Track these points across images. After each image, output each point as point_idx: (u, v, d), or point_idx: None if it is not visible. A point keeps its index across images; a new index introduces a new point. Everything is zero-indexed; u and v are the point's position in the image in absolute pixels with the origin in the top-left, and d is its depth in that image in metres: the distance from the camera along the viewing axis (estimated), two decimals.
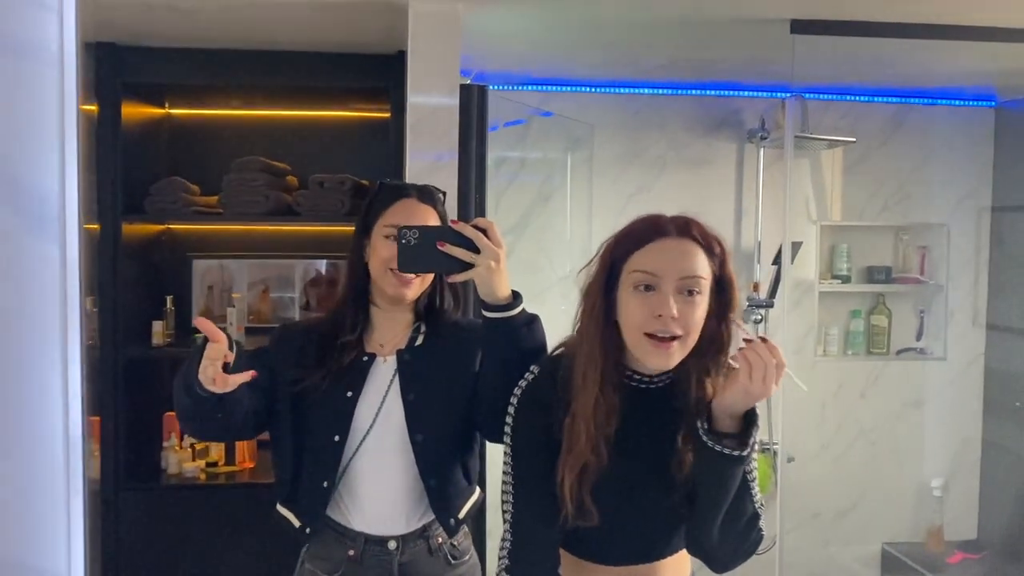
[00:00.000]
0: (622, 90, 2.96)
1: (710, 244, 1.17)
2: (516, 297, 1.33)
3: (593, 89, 2.94)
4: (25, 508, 0.74)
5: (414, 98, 1.82)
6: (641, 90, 2.97)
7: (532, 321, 1.34)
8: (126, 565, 2.30)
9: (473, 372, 1.41)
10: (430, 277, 1.45)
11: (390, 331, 1.46)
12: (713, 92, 3.01)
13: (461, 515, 1.48)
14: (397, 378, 1.42)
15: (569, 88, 2.91)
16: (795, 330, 3.05)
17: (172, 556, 2.32)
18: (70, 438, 0.74)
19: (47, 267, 0.72)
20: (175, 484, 2.39)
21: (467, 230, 1.30)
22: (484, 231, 1.30)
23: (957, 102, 3.13)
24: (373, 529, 1.43)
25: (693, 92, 3.00)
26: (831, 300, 3.17)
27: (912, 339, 3.23)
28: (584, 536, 1.25)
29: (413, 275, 1.40)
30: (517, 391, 1.27)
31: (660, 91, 2.98)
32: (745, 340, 1.12)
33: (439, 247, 1.29)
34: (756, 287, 2.97)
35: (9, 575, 0.74)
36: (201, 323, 1.24)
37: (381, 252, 1.41)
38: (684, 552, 1.30)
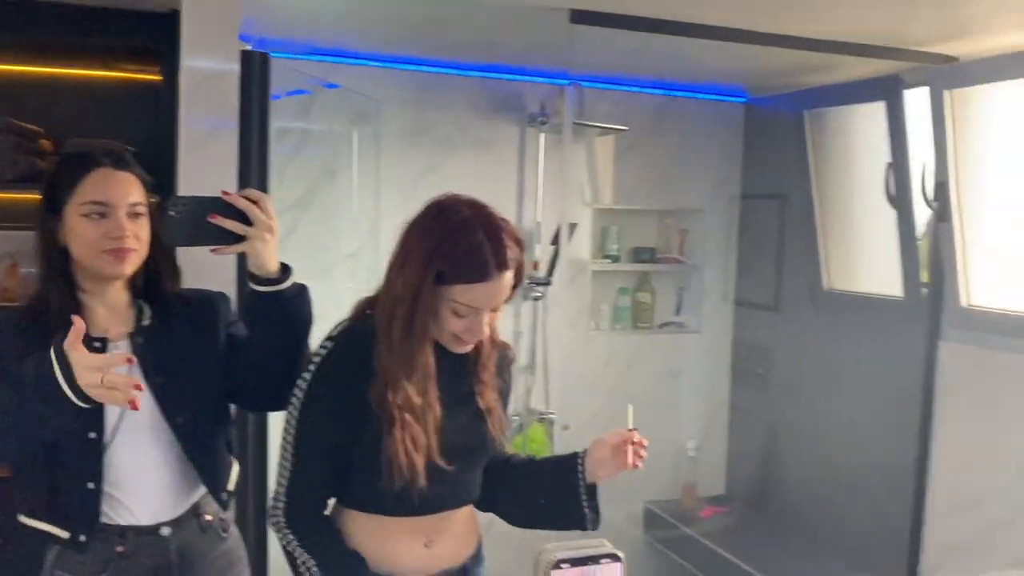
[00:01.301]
0: (409, 67, 2.95)
1: (519, 267, 1.29)
2: (285, 270, 1.32)
3: (380, 64, 2.90)
4: None
5: (189, 62, 1.71)
6: (428, 68, 2.98)
7: (302, 292, 1.35)
8: None
9: (220, 344, 1.39)
10: (145, 251, 1.36)
11: (109, 313, 1.38)
12: (497, 75, 3.07)
13: (231, 487, 1.47)
14: (137, 363, 1.33)
15: (356, 61, 2.85)
16: (570, 306, 3.22)
17: None
18: None
19: None
20: None
21: (239, 201, 1.28)
22: (255, 203, 1.27)
23: (714, 97, 3.42)
24: (143, 519, 1.37)
25: (478, 74, 3.05)
26: (602, 278, 3.37)
27: (672, 314, 3.52)
28: (384, 494, 1.31)
29: (132, 248, 1.32)
30: (313, 363, 1.30)
31: (447, 71, 3.00)
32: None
33: (210, 219, 1.25)
34: (536, 266, 3.10)
35: None
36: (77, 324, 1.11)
37: (87, 234, 1.31)
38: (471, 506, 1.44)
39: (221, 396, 1.44)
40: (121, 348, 1.35)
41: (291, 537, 1.34)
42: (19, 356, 1.26)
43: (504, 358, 1.45)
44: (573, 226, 3.12)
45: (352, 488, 1.37)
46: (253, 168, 1.79)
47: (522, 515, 1.49)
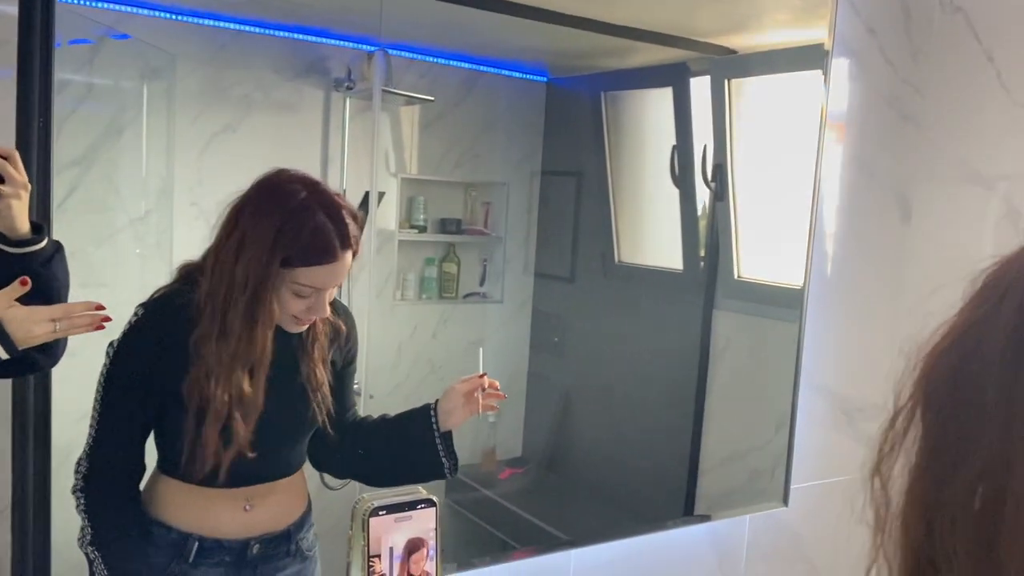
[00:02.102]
0: (207, 21, 2.79)
1: (358, 243, 1.30)
2: (38, 230, 1.26)
3: (176, 16, 2.73)
4: None
5: None
6: (228, 24, 2.83)
7: (58, 251, 1.29)
8: None
9: None
10: None
11: None
12: (301, 36, 2.99)
13: None
14: None
15: (148, 11, 2.66)
16: (377, 276, 3.22)
17: None
18: None
19: None
20: None
21: None
22: (6, 159, 1.21)
23: (517, 74, 3.51)
24: None
25: (281, 34, 2.95)
26: (409, 248, 3.39)
27: (476, 285, 3.61)
28: (195, 469, 1.30)
29: None
30: (123, 331, 1.28)
31: (248, 28, 2.88)
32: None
33: None
34: None
35: None
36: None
37: None
38: (302, 470, 1.46)
39: None
40: None
41: (82, 504, 1.32)
42: None
43: (335, 334, 1.44)
44: (382, 194, 3.11)
45: (164, 457, 1.33)
46: (34, 121, 1.64)
47: (381, 475, 1.51)
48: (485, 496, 3.39)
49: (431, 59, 3.28)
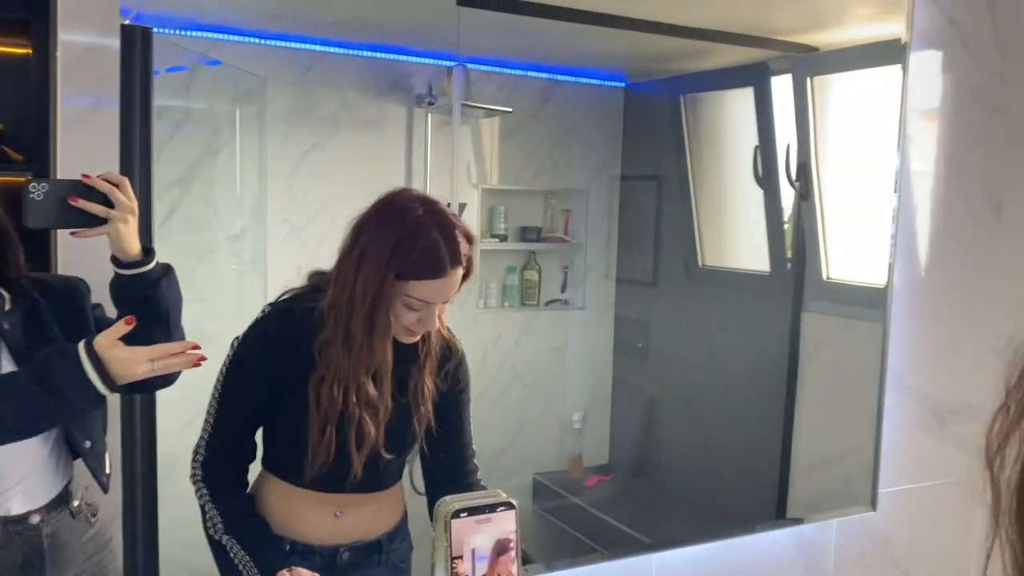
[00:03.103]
0: (294, 44, 2.91)
1: (469, 261, 1.35)
2: (148, 252, 1.33)
3: (263, 41, 2.84)
4: None
5: (66, 36, 1.64)
6: (313, 46, 2.94)
7: (168, 273, 1.36)
8: None
9: (90, 328, 1.38)
10: None
11: None
12: (384, 55, 3.07)
13: (110, 470, 1.47)
14: (4, 349, 1.32)
15: (238, 37, 2.79)
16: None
17: None
18: None
19: None
20: None
21: (100, 184, 1.27)
22: (116, 185, 1.28)
23: (595, 81, 3.52)
24: (12, 509, 1.33)
25: (365, 53, 3.04)
26: (491, 257, 3.44)
27: (558, 291, 3.62)
28: (302, 469, 1.37)
29: None
30: (249, 327, 1.38)
31: (332, 49, 2.98)
32: None
33: (71, 202, 1.25)
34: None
35: None
36: None
37: None
38: (399, 485, 1.52)
39: None
40: None
41: (204, 491, 1.38)
42: None
43: (449, 355, 1.49)
44: (463, 206, 3.17)
45: (270, 454, 1.39)
46: (136, 147, 1.74)
47: None
48: (572, 503, 3.39)
49: (509, 71, 3.32)
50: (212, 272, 2.75)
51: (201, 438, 1.42)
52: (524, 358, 3.50)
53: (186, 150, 2.70)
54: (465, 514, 1.19)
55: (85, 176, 1.28)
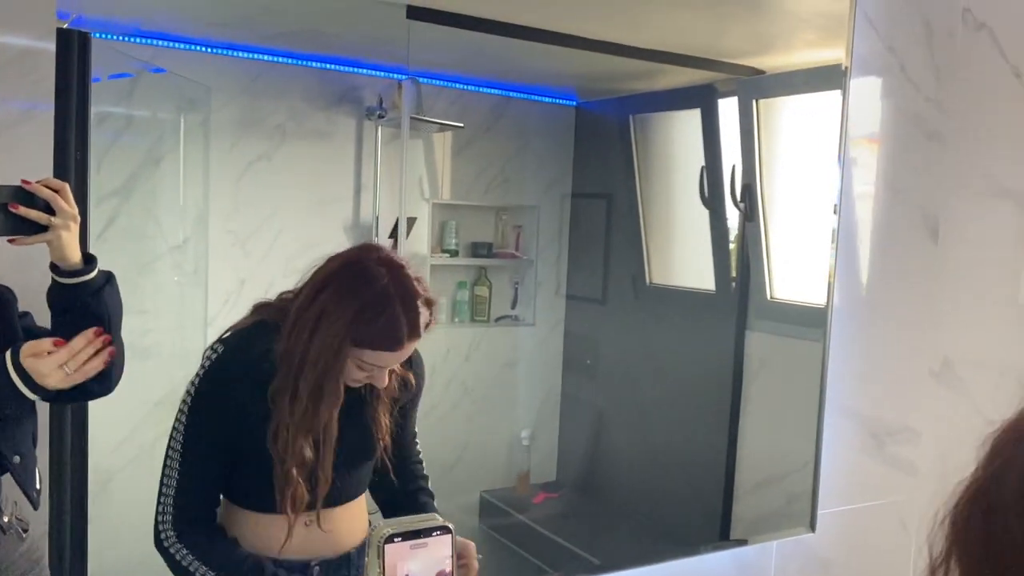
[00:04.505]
0: (241, 54, 2.87)
1: (428, 324, 1.34)
2: (89, 260, 1.30)
3: (210, 49, 2.80)
4: None
5: (0, 37, 1.60)
6: (261, 56, 2.90)
7: (110, 281, 1.32)
8: None
9: (17, 338, 1.32)
10: None
11: None
12: (333, 66, 3.05)
13: (40, 486, 1.41)
14: None
15: (183, 45, 2.74)
16: None
17: None
18: None
19: None
20: None
21: (41, 191, 1.24)
22: (57, 192, 1.24)
23: (546, 99, 3.54)
24: None
25: (314, 64, 3.01)
26: (441, 272, 3.42)
27: (508, 307, 3.62)
28: (266, 492, 1.33)
29: None
30: (202, 368, 1.34)
31: (281, 59, 2.94)
32: None
33: (11, 209, 1.21)
34: (392, 247, 3.10)
35: None
36: None
37: None
38: (361, 498, 1.50)
39: None
40: None
41: (184, 552, 1.33)
42: None
43: (405, 383, 1.47)
44: (412, 220, 3.15)
45: (235, 486, 1.38)
46: (71, 155, 1.69)
47: None
48: (519, 521, 3.38)
49: (461, 86, 3.32)
50: (153, 283, 2.69)
51: (165, 497, 1.35)
52: (473, 374, 3.48)
53: (127, 158, 2.64)
54: (399, 539, 1.17)
55: (25, 182, 1.24)
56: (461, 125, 3.24)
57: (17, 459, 1.33)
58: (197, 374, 1.35)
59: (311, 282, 1.33)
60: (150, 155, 2.72)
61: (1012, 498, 0.60)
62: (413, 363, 1.50)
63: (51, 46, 1.65)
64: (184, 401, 1.35)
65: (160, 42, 2.67)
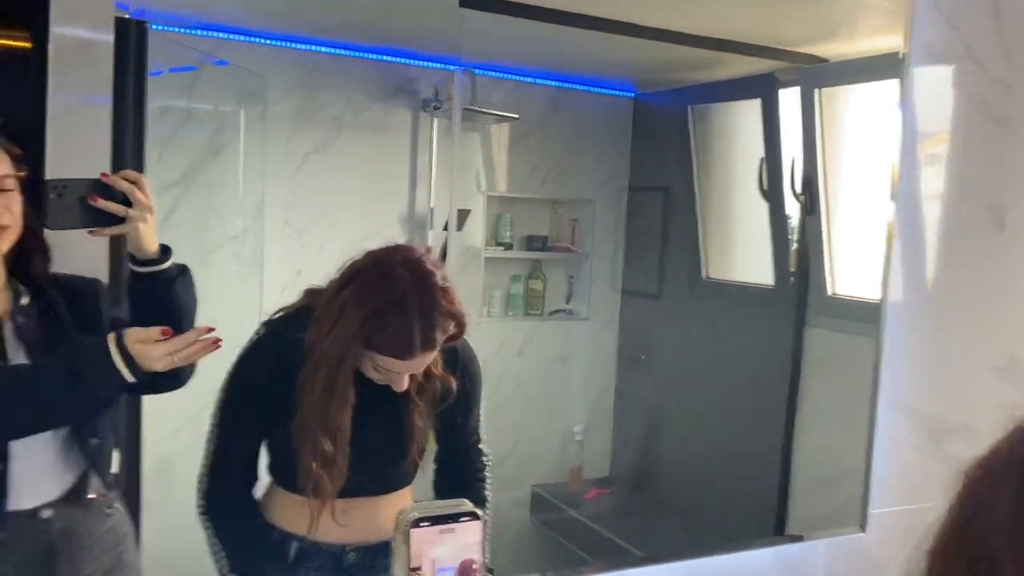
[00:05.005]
0: (299, 45, 2.90)
1: (456, 334, 1.35)
2: (165, 251, 1.33)
3: (268, 41, 2.84)
4: None
5: (58, 28, 1.64)
6: (319, 48, 2.94)
7: (183, 273, 1.35)
8: None
9: (104, 328, 1.38)
10: (19, 226, 1.34)
11: None
12: (389, 58, 3.06)
13: (115, 469, 1.46)
14: (17, 342, 1.33)
15: (242, 37, 2.78)
16: (462, 293, 3.23)
17: None
18: None
19: None
20: None
21: (119, 183, 1.27)
22: (134, 183, 1.28)
23: (604, 90, 3.50)
24: (22, 504, 1.32)
25: (371, 56, 3.03)
26: (495, 265, 3.41)
27: (562, 302, 3.59)
28: (294, 474, 1.36)
29: (5, 225, 1.30)
30: (245, 349, 1.38)
31: (338, 51, 2.97)
32: None
33: (91, 201, 1.24)
34: (428, 251, 3.10)
35: None
36: None
37: None
38: (407, 489, 1.50)
39: None
40: (6, 328, 1.33)
41: (209, 525, 1.38)
42: None
43: (447, 388, 1.45)
44: (465, 212, 3.15)
45: (272, 464, 1.41)
46: (128, 146, 1.73)
47: None
48: (571, 516, 3.35)
49: (518, 78, 3.31)
50: (212, 273, 2.74)
51: (203, 466, 1.41)
52: (527, 368, 3.47)
53: (187, 150, 2.70)
54: (426, 523, 1.16)
55: (104, 175, 1.28)
56: (516, 116, 3.22)
57: (95, 442, 1.38)
58: (240, 354, 1.38)
59: (340, 276, 1.34)
60: (210, 147, 2.78)
61: (999, 546, 0.58)
62: (460, 365, 1.47)
63: (109, 37, 1.69)
64: (225, 380, 1.39)
65: (220, 34, 2.72)
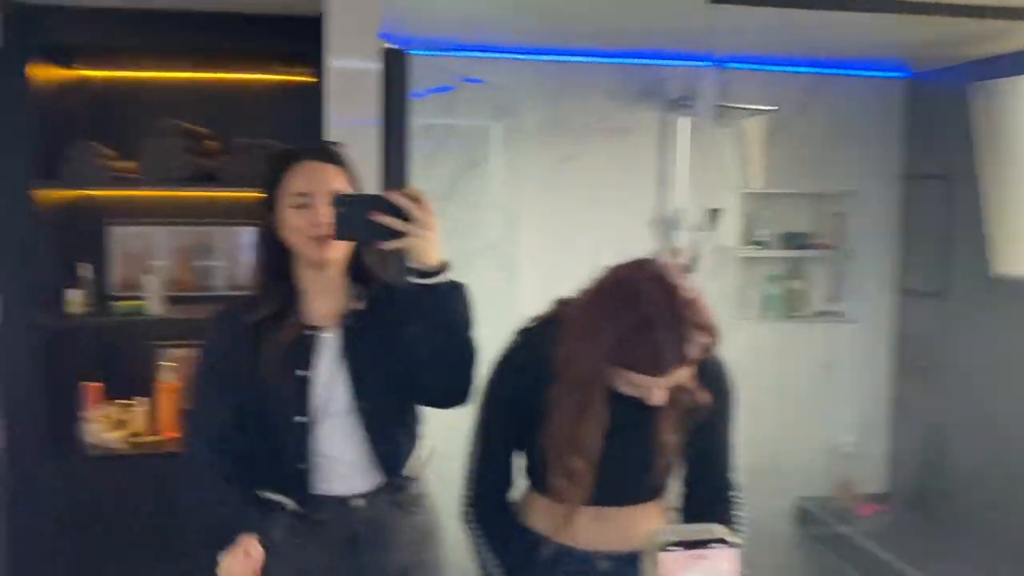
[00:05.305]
0: (545, 57, 2.98)
1: (704, 349, 1.27)
2: (443, 266, 1.36)
3: (516, 56, 2.95)
4: None
5: (333, 62, 1.81)
6: (564, 58, 2.99)
7: (456, 288, 1.38)
8: (48, 532, 2.29)
9: (408, 335, 1.44)
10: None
11: (326, 297, 1.47)
12: (636, 61, 3.04)
13: (409, 473, 1.53)
14: (343, 346, 1.44)
15: (492, 54, 2.91)
16: (714, 295, 3.14)
17: (95, 524, 2.30)
18: None
19: None
20: (96, 455, 2.35)
21: (400, 200, 1.32)
22: (415, 200, 1.33)
23: (868, 73, 3.23)
24: (339, 491, 1.46)
25: (616, 60, 3.03)
26: (749, 265, 3.27)
27: (827, 303, 3.36)
28: (545, 478, 1.37)
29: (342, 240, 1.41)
30: (499, 356, 1.40)
31: (583, 59, 3.01)
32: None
33: (372, 216, 1.31)
34: (677, 254, 3.05)
35: None
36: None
37: (293, 222, 1.41)
38: (658, 501, 1.46)
39: (407, 389, 1.49)
40: (331, 336, 1.45)
41: (477, 533, 1.42)
42: (238, 356, 1.42)
43: (696, 403, 1.40)
44: (716, 212, 3.05)
45: (529, 469, 1.43)
46: (393, 163, 1.86)
47: None
48: (842, 532, 3.14)
49: (771, 68, 3.15)
50: (473, 280, 2.88)
51: (466, 474, 1.44)
52: (788, 373, 3.29)
53: (448, 164, 2.86)
54: (676, 548, 1.11)
55: (387, 192, 1.36)
56: (775, 108, 3.07)
57: (381, 448, 1.48)
58: (496, 361, 1.41)
59: (586, 293, 1.32)
60: (468, 160, 2.94)
61: None
62: (711, 378, 1.41)
63: (377, 66, 1.83)
64: (484, 387, 1.41)
65: (473, 53, 2.86)
